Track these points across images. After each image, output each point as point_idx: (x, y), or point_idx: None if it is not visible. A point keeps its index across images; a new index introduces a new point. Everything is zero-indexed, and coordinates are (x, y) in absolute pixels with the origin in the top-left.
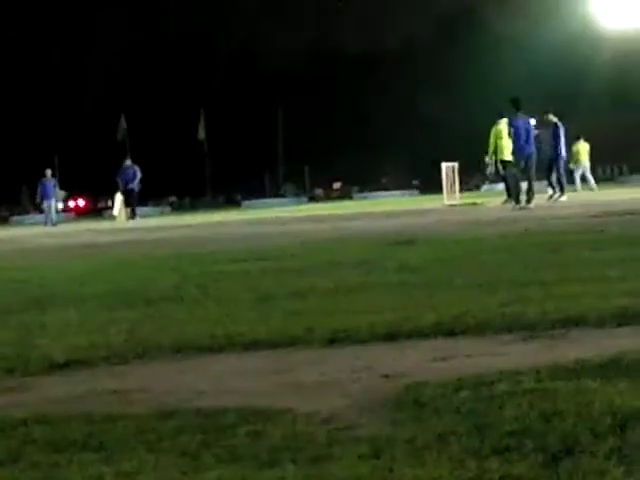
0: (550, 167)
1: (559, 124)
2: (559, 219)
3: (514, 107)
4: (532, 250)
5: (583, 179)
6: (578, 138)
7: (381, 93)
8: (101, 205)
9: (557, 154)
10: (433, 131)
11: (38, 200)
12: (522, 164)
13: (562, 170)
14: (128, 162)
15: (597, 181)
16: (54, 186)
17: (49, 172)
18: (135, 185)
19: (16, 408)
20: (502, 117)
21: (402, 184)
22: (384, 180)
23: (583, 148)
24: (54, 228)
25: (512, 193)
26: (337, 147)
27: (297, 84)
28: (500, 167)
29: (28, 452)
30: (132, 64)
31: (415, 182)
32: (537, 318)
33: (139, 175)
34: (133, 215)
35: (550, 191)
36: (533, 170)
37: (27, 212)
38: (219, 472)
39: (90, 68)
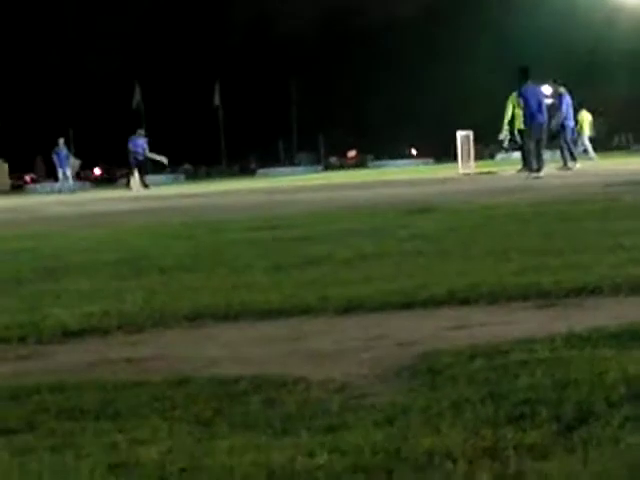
0: (556, 136)
1: (564, 94)
2: (573, 188)
3: (523, 76)
4: (547, 219)
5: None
6: (581, 108)
7: (396, 61)
8: (120, 173)
9: (562, 124)
10: (448, 99)
11: (59, 169)
12: (534, 133)
13: (569, 139)
14: (142, 131)
15: (612, 149)
16: (67, 154)
17: (62, 141)
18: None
19: (30, 376)
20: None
21: (419, 153)
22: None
23: (586, 118)
24: (70, 196)
25: (527, 162)
26: (352, 115)
27: (312, 51)
28: (518, 136)
29: (42, 420)
30: (147, 32)
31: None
32: (552, 287)
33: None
34: (145, 184)
35: (561, 161)
36: (544, 140)
37: (40, 181)
38: (233, 440)
39: (105, 37)
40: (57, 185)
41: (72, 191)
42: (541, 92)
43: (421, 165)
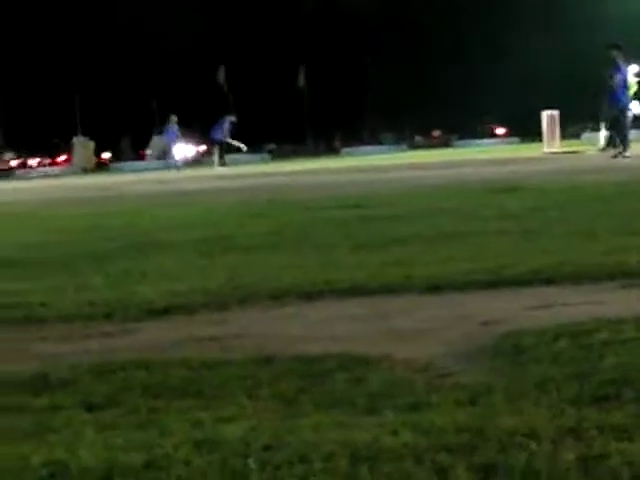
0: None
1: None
2: None
3: (619, 53)
4: (633, 199)
5: None
6: None
7: (481, 38)
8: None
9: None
10: (533, 78)
11: (172, 144)
12: (616, 112)
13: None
14: (231, 117)
15: None
16: (178, 131)
17: (174, 118)
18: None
19: (115, 353)
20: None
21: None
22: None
23: None
24: (165, 174)
25: (612, 141)
26: (437, 95)
27: (397, 30)
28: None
29: (127, 397)
30: (232, 12)
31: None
32: (637, 267)
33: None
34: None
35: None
36: (627, 120)
37: (126, 159)
38: (317, 418)
39: (189, 16)
40: (170, 161)
41: (177, 168)
42: (628, 72)
43: (506, 144)
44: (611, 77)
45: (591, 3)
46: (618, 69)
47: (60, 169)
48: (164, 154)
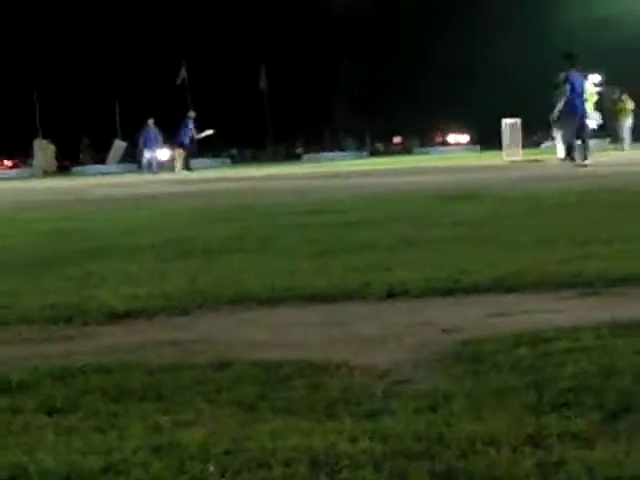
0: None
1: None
2: (622, 176)
3: (568, 63)
4: (593, 207)
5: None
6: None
7: (444, 46)
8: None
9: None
10: (495, 85)
11: (140, 147)
12: (576, 122)
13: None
14: (191, 113)
15: None
16: (156, 135)
17: (151, 121)
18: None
19: (75, 357)
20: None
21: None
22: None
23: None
24: (154, 176)
25: (568, 151)
26: (398, 101)
27: (360, 35)
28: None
29: (87, 401)
30: (194, 11)
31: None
32: (597, 275)
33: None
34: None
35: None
36: (588, 128)
37: (86, 163)
38: (276, 424)
39: (152, 15)
40: (143, 166)
41: (155, 172)
42: (584, 81)
43: (467, 152)
44: (561, 86)
45: (558, 10)
46: (568, 78)
47: (17, 171)
48: (147, 160)
